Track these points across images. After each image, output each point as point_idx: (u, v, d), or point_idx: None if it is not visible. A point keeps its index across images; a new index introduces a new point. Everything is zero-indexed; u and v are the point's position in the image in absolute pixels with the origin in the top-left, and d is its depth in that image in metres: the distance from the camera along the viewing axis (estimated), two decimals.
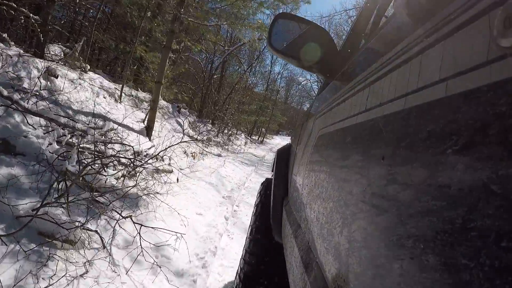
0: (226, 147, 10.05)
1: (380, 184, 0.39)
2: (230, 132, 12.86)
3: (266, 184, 1.80)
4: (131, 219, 2.27)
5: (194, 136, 7.63)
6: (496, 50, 0.23)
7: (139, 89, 7.43)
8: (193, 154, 5.90)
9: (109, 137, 3.34)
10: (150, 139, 4.70)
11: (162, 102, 7.46)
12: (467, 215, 0.23)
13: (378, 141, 0.43)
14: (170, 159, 4.15)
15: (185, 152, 5.49)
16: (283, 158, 1.60)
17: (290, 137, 2.10)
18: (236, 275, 1.66)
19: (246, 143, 13.53)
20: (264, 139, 20.37)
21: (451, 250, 0.24)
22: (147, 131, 4.78)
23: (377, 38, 0.64)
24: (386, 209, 0.36)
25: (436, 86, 0.31)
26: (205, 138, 8.38)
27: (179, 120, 8.16)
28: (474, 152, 0.24)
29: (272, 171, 1.72)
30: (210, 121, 11.92)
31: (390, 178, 0.37)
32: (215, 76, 13.09)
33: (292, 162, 1.41)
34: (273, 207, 1.47)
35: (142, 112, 5.95)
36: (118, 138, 3.41)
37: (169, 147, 3.58)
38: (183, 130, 7.19)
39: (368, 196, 0.42)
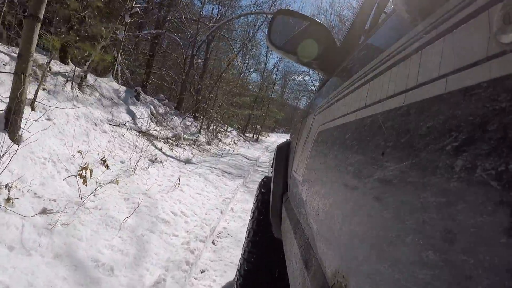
0: (208, 147, 7.82)
1: (379, 180, 0.39)
2: (218, 129, 10.70)
3: (265, 183, 1.79)
4: None
5: (152, 132, 5.38)
6: (495, 46, 0.23)
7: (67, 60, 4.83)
8: (83, 174, 2.38)
9: None
10: (12, 138, 2.32)
11: (111, 84, 5.19)
12: (467, 211, 0.23)
13: (378, 137, 0.43)
14: (8, 188, 1.76)
15: (103, 162, 2.93)
16: (283, 154, 1.59)
17: (287, 134, 2.08)
18: (237, 271, 1.67)
19: (235, 141, 11.67)
20: (259, 137, 19.26)
21: (450, 247, 0.24)
22: (8, 120, 2.36)
23: (377, 34, 0.64)
24: (386, 205, 0.36)
25: (435, 82, 0.31)
26: (170, 135, 6.22)
27: (134, 109, 5.69)
28: (474, 149, 0.24)
29: (272, 167, 1.71)
30: (192, 114, 9.89)
31: (389, 174, 0.37)
32: (199, 60, 10.84)
33: (291, 158, 1.41)
34: (272, 203, 1.47)
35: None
36: None
37: None
38: (128, 122, 4.70)
39: (368, 192, 0.42)
